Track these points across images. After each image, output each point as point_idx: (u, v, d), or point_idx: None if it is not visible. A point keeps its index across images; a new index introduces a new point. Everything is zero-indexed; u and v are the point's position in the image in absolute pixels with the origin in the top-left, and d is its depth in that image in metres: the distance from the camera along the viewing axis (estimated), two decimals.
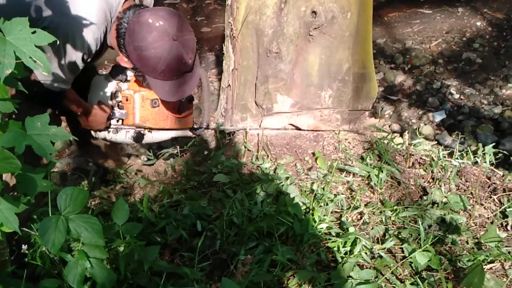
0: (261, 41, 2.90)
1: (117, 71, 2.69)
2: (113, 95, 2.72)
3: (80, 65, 2.34)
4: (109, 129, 2.75)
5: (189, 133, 2.95)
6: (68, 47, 2.21)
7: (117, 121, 2.74)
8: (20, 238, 1.83)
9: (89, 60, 2.37)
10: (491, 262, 2.15)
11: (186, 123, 2.87)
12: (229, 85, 3.10)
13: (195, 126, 2.96)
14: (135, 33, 2.25)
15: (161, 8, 2.34)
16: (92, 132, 2.78)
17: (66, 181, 3.16)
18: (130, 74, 2.70)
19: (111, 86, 2.72)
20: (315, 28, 2.83)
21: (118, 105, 2.73)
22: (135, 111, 2.69)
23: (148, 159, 3.17)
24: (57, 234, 1.52)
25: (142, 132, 2.77)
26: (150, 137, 2.81)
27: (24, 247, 1.78)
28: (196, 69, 2.46)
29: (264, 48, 2.90)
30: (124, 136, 2.78)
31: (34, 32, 1.39)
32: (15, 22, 1.37)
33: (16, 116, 1.61)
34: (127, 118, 2.72)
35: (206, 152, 3.05)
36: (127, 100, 2.70)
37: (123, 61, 2.43)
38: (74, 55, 2.26)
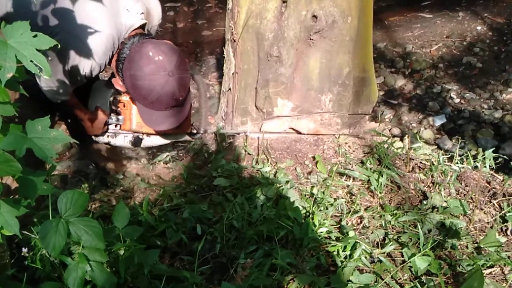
0: (261, 45, 2.91)
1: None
2: (112, 101, 2.76)
3: (82, 82, 2.40)
4: (108, 134, 2.80)
5: (187, 137, 2.97)
6: (74, 67, 2.26)
7: (115, 126, 2.79)
8: (20, 241, 1.83)
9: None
10: (491, 266, 2.15)
11: (183, 128, 2.88)
12: (230, 88, 3.10)
13: (193, 131, 2.98)
14: (134, 61, 2.31)
15: (164, 42, 2.40)
16: (93, 136, 2.82)
17: (67, 184, 3.16)
18: None
19: (110, 92, 2.76)
20: (316, 32, 2.84)
21: (116, 111, 2.77)
22: (132, 117, 2.73)
23: (148, 163, 3.18)
24: (58, 237, 1.52)
25: (140, 136, 2.81)
26: (149, 141, 2.85)
27: (24, 250, 1.78)
28: (186, 105, 2.54)
29: (264, 52, 2.91)
30: (122, 140, 2.83)
31: (35, 36, 1.39)
32: (16, 26, 1.38)
33: (19, 120, 1.62)
34: (125, 123, 2.76)
35: (206, 156, 3.05)
36: (124, 106, 2.74)
37: (118, 84, 2.50)
38: (78, 76, 2.31)
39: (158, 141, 2.88)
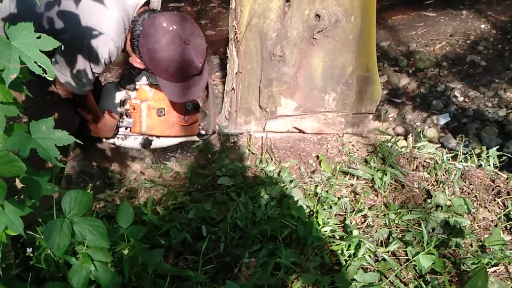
0: (265, 45, 2.91)
1: (126, 80, 2.79)
2: (122, 104, 2.80)
3: (102, 70, 2.44)
4: (118, 136, 2.83)
5: (196, 138, 3.01)
6: (93, 55, 2.28)
7: (125, 128, 2.82)
8: (25, 241, 1.84)
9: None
10: (495, 265, 2.15)
11: (192, 130, 2.93)
12: (233, 88, 3.10)
13: (202, 132, 3.03)
14: (149, 35, 2.33)
15: (175, 13, 2.42)
16: (103, 139, 2.86)
17: (71, 184, 3.17)
18: (138, 83, 2.78)
19: (120, 95, 2.81)
20: (319, 32, 2.84)
21: (126, 114, 2.81)
22: (142, 120, 2.76)
23: (153, 163, 3.18)
24: (62, 237, 1.53)
25: (149, 138, 2.85)
26: (158, 143, 2.89)
27: (29, 250, 1.79)
28: (204, 73, 2.53)
29: (268, 51, 2.91)
30: (133, 142, 2.87)
31: (39, 37, 1.40)
32: (20, 27, 1.38)
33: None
34: (134, 126, 2.80)
35: (210, 155, 3.06)
36: (134, 109, 2.77)
37: (136, 62, 2.50)
38: (98, 62, 2.34)
39: (167, 142, 2.91)
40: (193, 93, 2.56)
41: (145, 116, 2.75)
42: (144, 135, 2.83)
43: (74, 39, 2.19)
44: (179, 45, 2.32)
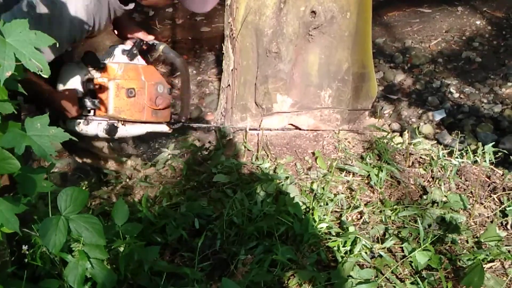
0: (260, 41, 2.90)
1: (90, 58, 2.56)
2: (85, 83, 2.56)
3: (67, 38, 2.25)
4: (80, 120, 2.57)
5: (166, 128, 2.80)
6: (64, 16, 2.15)
7: (89, 111, 2.57)
8: (20, 239, 1.84)
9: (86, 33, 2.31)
10: (491, 261, 2.15)
11: (163, 116, 2.73)
12: (229, 85, 3.10)
13: (172, 121, 2.83)
14: None
15: None
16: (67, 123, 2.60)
17: (66, 181, 3.16)
18: (104, 61, 2.57)
19: (83, 74, 2.55)
20: (315, 28, 2.83)
21: (90, 94, 2.55)
22: (109, 101, 2.53)
23: (148, 159, 3.17)
24: (58, 235, 1.53)
25: (115, 124, 2.61)
26: (124, 131, 2.67)
27: (25, 247, 1.78)
28: None
29: (263, 48, 2.90)
30: (96, 128, 2.60)
31: (34, 34, 1.39)
32: (15, 24, 1.37)
33: None
34: (100, 108, 2.56)
35: (206, 152, 3.05)
36: (100, 88, 2.53)
37: None
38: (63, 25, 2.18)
39: (134, 130, 2.70)
40: (212, 2, 2.46)
41: (113, 97, 2.52)
42: (111, 119, 2.58)
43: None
44: None
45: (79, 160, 3.14)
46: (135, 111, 2.59)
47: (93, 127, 2.59)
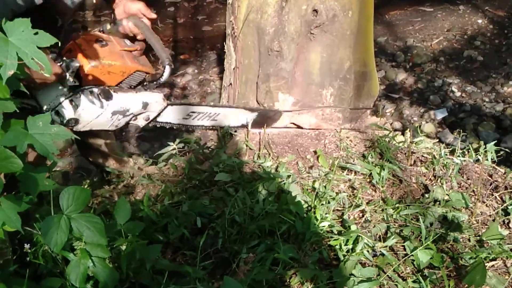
0: (262, 40, 2.90)
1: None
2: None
3: None
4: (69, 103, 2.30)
5: (160, 97, 2.62)
6: None
7: (72, 80, 2.28)
8: (22, 237, 1.84)
9: None
10: (493, 259, 2.15)
11: (145, 62, 2.55)
12: (231, 83, 3.10)
13: (160, 76, 2.59)
14: None
15: None
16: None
17: (68, 180, 3.16)
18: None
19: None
20: (316, 27, 2.83)
21: (64, 59, 2.29)
22: (85, 52, 2.32)
23: (150, 158, 3.17)
24: (60, 233, 1.53)
25: (106, 87, 2.40)
26: (119, 100, 2.44)
27: (27, 246, 1.79)
28: None
29: (265, 46, 2.90)
30: (89, 97, 2.35)
31: (36, 33, 1.39)
32: (17, 23, 1.37)
33: None
34: (82, 65, 2.29)
35: (207, 151, 3.05)
36: (71, 50, 2.33)
37: None
38: None
39: (129, 99, 2.49)
40: None
41: (88, 48, 2.32)
42: (99, 68, 2.33)
43: None
44: None
45: (84, 158, 3.10)
46: (116, 57, 2.40)
47: (85, 99, 2.33)
